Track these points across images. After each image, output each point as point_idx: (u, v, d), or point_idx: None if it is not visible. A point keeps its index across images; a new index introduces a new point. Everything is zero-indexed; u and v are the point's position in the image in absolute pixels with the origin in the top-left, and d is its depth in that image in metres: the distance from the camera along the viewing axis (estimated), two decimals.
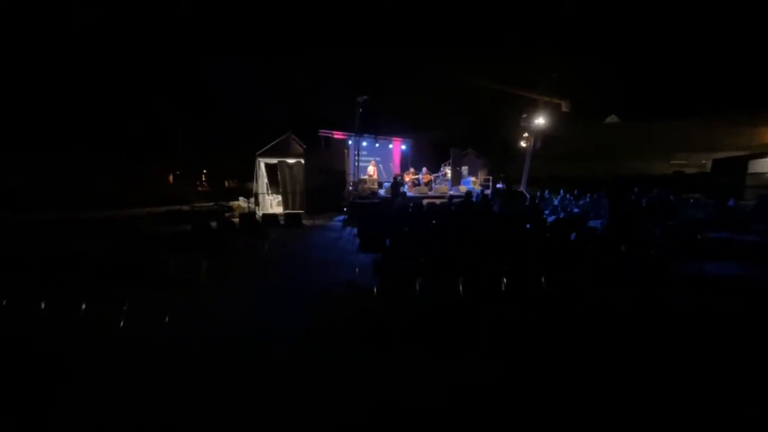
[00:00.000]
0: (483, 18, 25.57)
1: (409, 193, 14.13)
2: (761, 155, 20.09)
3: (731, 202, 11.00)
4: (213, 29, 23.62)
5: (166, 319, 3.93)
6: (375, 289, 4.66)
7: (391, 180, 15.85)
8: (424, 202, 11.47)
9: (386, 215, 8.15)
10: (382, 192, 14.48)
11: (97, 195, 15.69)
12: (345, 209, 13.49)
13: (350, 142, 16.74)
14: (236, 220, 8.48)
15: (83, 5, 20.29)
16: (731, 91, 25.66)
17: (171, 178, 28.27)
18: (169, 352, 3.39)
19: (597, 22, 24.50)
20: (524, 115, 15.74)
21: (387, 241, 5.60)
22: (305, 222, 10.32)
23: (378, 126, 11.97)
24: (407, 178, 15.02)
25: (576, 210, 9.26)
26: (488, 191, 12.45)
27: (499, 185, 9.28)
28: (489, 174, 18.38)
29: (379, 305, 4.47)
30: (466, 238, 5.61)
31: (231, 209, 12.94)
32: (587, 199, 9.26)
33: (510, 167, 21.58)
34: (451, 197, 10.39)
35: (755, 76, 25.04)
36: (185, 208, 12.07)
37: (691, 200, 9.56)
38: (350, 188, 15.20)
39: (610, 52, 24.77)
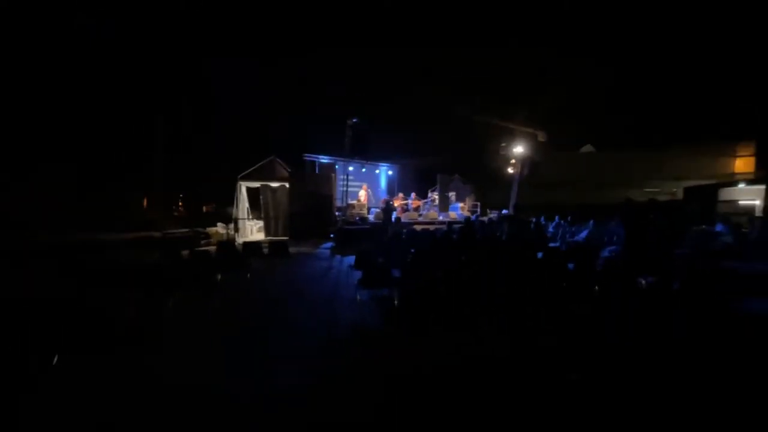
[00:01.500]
0: (463, 50, 26.05)
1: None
2: (730, 184, 20.67)
3: (719, 227, 10.76)
4: (194, 47, 22.77)
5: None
6: (388, 338, 3.71)
7: (380, 205, 15.07)
8: (418, 228, 10.67)
9: (384, 244, 7.24)
10: (371, 217, 13.61)
11: (59, 217, 14.01)
12: (332, 235, 12.51)
13: (337, 167, 15.98)
14: (213, 248, 7.38)
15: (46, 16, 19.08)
16: (696, 125, 26.88)
17: (145, 202, 26.44)
18: None
19: (570, 61, 25.43)
20: (503, 144, 15.68)
21: (394, 274, 4.68)
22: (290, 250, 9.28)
23: (368, 150, 11.26)
24: (396, 204, 14.26)
25: (578, 238, 8.66)
26: (487, 218, 11.81)
27: (504, 211, 8.70)
28: (476, 200, 17.94)
29: (400, 364, 3.48)
30: (483, 272, 4.77)
31: (208, 236, 11.67)
32: (590, 226, 8.72)
33: (494, 194, 21.33)
34: (450, 223, 9.65)
35: (718, 112, 26.37)
36: (156, 234, 10.75)
37: (695, 228, 9.18)
38: (337, 213, 14.29)
39: (584, 87, 25.57)
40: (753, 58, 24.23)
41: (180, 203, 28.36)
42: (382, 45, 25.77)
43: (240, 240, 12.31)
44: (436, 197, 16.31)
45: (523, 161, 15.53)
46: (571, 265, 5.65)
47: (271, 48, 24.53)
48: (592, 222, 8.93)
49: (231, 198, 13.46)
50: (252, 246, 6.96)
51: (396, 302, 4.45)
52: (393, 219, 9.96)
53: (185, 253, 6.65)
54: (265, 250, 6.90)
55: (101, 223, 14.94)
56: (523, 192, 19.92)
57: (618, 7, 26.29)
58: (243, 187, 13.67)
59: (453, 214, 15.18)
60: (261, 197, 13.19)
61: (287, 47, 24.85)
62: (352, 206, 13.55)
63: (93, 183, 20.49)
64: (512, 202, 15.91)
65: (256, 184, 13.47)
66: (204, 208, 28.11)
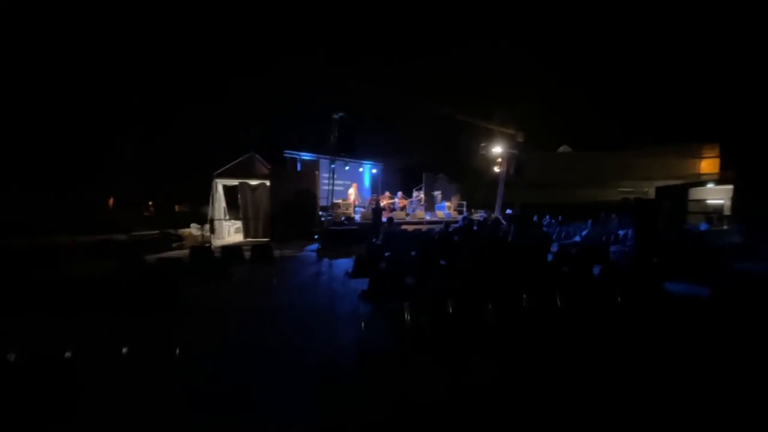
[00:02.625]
0: (443, 51, 25.76)
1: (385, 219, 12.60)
2: (700, 184, 21.25)
3: (703, 226, 10.69)
4: (165, 34, 21.12)
5: None
6: (407, 365, 2.97)
7: (367, 204, 14.29)
8: (410, 228, 9.99)
9: (378, 247, 6.49)
10: (357, 217, 12.80)
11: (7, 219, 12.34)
12: (316, 237, 11.63)
13: (320, 164, 15.08)
14: (187, 252, 6.38)
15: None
16: (665, 128, 27.75)
17: (111, 201, 24.39)
18: None
19: (548, 64, 25.65)
20: (483, 144, 15.40)
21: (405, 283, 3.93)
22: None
23: (354, 146, 10.45)
24: (383, 203, 13.51)
25: (577, 238, 8.23)
26: (479, 216, 11.24)
27: (508, 211, 8.20)
28: (462, 199, 17.48)
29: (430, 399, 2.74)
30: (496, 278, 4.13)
31: (180, 238, 10.51)
32: (589, 226, 8.32)
33: (478, 192, 21.00)
34: (447, 223, 9.01)
35: (685, 115, 27.28)
36: (120, 237, 9.53)
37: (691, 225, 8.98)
38: (320, 213, 13.39)
39: (561, 90, 25.87)
40: (718, 63, 25.14)
41: (151, 203, 26.42)
42: (365, 43, 25.03)
43: (216, 243, 11.22)
44: (422, 196, 15.71)
45: (509, 160, 15.15)
46: (597, 269, 5.12)
47: (249, 41, 23.22)
48: (590, 222, 8.53)
49: (206, 197, 12.31)
50: (231, 251, 6.02)
51: (408, 317, 3.72)
52: (384, 219, 9.21)
53: (152, 259, 5.67)
54: (247, 255, 5.99)
55: (59, 225, 13.40)
56: (489, 193, 19.67)
57: (591, 15, 26.71)
58: (219, 185, 12.54)
59: (440, 214, 14.61)
60: (239, 196, 12.13)
61: (265, 41, 23.60)
62: (338, 205, 12.70)
63: (50, 181, 18.56)
64: (498, 201, 15.52)
65: (234, 182, 12.38)
66: (176, 208, 26.36)
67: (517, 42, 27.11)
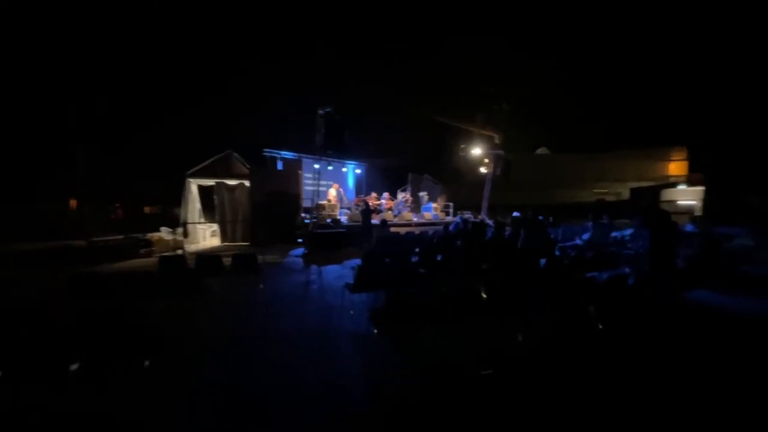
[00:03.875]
0: (426, 52, 25.43)
1: (373, 221, 11.86)
2: (672, 185, 21.77)
3: (689, 227, 10.61)
4: (133, 22, 19.49)
5: None
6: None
7: (355, 206, 13.54)
8: (402, 231, 9.32)
9: (372, 254, 5.76)
10: (343, 219, 12.01)
11: None
12: (300, 240, 10.77)
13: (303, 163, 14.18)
14: (157, 259, 5.42)
15: None
16: (636, 131, 28.55)
17: (74, 203, 22.35)
18: None
19: (526, 67, 25.81)
20: (462, 146, 15.09)
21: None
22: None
23: (344, 143, 9.66)
24: (371, 204, 12.78)
25: (578, 241, 7.82)
26: (473, 219, 10.67)
27: (516, 214, 7.71)
28: (448, 200, 17.00)
29: None
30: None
31: (149, 243, 9.37)
32: (590, 228, 7.93)
33: (462, 193, 20.67)
34: (446, 225, 8.38)
35: (656, 119, 28.12)
36: (80, 243, 8.33)
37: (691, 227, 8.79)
38: (303, 215, 12.52)
39: (539, 92, 26.10)
40: (687, 69, 25.99)
41: (118, 204, 24.46)
42: (348, 42, 24.24)
43: (190, 248, 10.15)
44: (409, 197, 15.09)
45: (496, 161, 14.79)
46: (605, 275, 4.62)
47: (226, 35, 21.89)
48: (591, 224, 8.14)
49: (179, 198, 11.18)
50: (208, 259, 5.12)
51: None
52: (375, 221, 8.50)
53: (116, 267, 4.72)
54: (228, 265, 5.11)
55: (12, 230, 11.90)
56: (473, 194, 19.41)
57: (568, 21, 27.09)
58: (193, 185, 11.44)
59: (428, 215, 14.06)
60: (215, 197, 11.09)
61: (243, 34, 22.34)
62: (323, 207, 11.86)
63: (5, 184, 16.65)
64: (485, 203, 15.16)
65: (210, 182, 11.32)
66: (147, 210, 24.59)
67: (496, 45, 27.12)
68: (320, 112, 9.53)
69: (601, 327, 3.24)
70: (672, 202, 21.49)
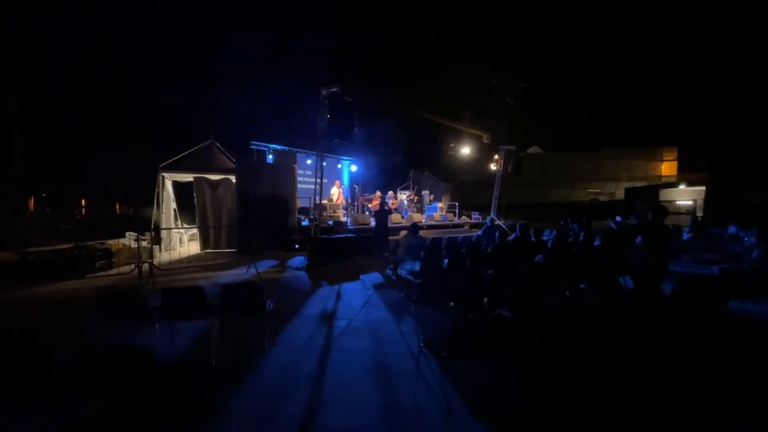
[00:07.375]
0: (419, 49, 23.94)
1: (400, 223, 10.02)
2: (671, 185, 21.01)
3: (686, 236, 9.27)
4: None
5: None
6: None
7: (368, 204, 11.71)
8: (428, 235, 7.56)
9: (434, 272, 4.00)
10: (348, 222, 10.15)
11: None
12: (297, 247, 8.86)
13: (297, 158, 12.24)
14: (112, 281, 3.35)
15: None
16: (630, 132, 28.07)
17: (31, 201, 19.29)
18: None
19: (519, 67, 24.74)
20: (452, 145, 13.76)
21: None
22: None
23: (353, 128, 7.80)
24: (375, 203, 10.97)
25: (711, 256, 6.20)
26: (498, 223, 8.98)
27: (618, 218, 6.19)
28: (452, 199, 15.41)
29: None
30: None
31: (109, 254, 7.23)
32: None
33: (464, 191, 19.23)
34: (488, 230, 6.66)
35: (649, 120, 27.69)
36: (8, 255, 6.13)
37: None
38: (299, 216, 10.60)
39: (532, 93, 25.07)
40: (680, 70, 25.53)
41: (84, 202, 21.48)
42: (342, 33, 22.39)
43: (162, 258, 8.05)
44: (414, 196, 13.38)
45: (507, 157, 13.29)
46: None
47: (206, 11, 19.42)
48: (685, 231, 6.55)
49: (150, 197, 9.02)
50: (186, 295, 3.16)
51: None
52: (398, 224, 6.72)
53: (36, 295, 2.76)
54: (218, 302, 3.19)
55: None
56: (473, 192, 18.07)
57: (563, 21, 26.18)
58: (168, 181, 9.30)
59: (437, 216, 12.38)
60: (195, 195, 8.98)
61: (227, 12, 19.92)
62: (324, 207, 9.95)
63: None
64: (494, 202, 13.64)
65: (188, 177, 9.20)
66: (117, 209, 21.77)
67: (488, 43, 25.94)
68: (324, 92, 7.65)
69: None
70: (671, 202, 20.69)
